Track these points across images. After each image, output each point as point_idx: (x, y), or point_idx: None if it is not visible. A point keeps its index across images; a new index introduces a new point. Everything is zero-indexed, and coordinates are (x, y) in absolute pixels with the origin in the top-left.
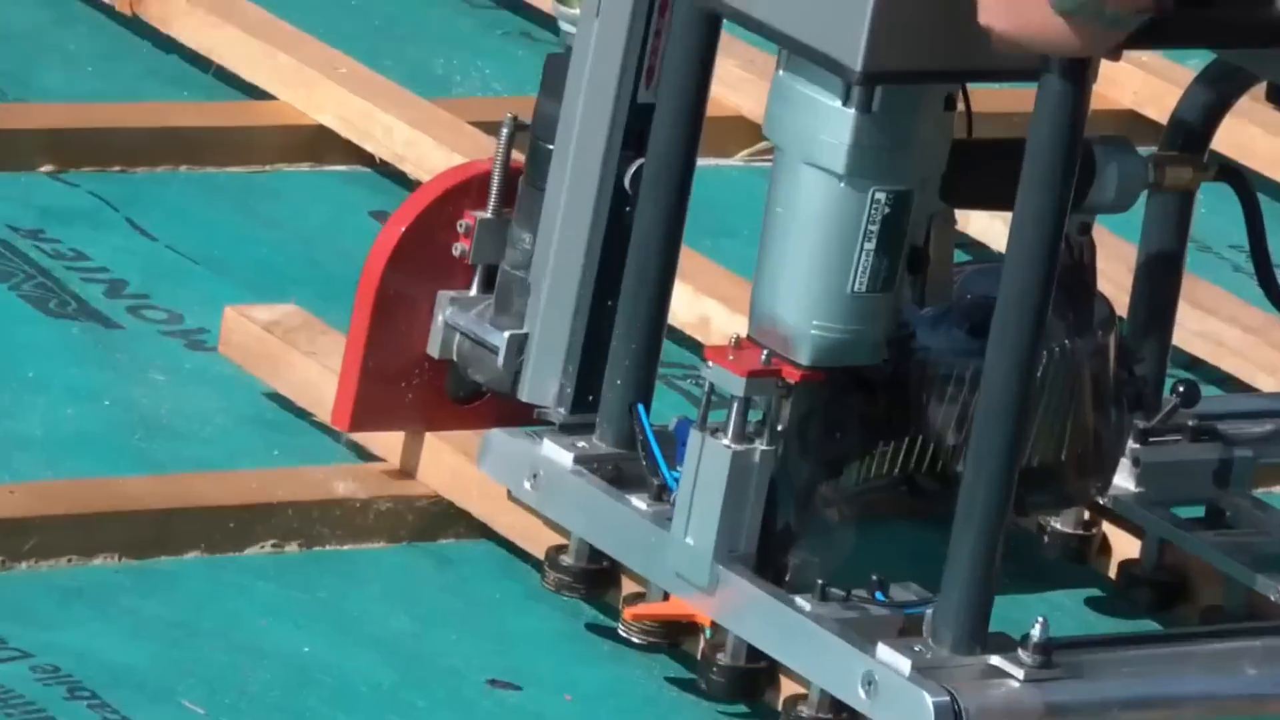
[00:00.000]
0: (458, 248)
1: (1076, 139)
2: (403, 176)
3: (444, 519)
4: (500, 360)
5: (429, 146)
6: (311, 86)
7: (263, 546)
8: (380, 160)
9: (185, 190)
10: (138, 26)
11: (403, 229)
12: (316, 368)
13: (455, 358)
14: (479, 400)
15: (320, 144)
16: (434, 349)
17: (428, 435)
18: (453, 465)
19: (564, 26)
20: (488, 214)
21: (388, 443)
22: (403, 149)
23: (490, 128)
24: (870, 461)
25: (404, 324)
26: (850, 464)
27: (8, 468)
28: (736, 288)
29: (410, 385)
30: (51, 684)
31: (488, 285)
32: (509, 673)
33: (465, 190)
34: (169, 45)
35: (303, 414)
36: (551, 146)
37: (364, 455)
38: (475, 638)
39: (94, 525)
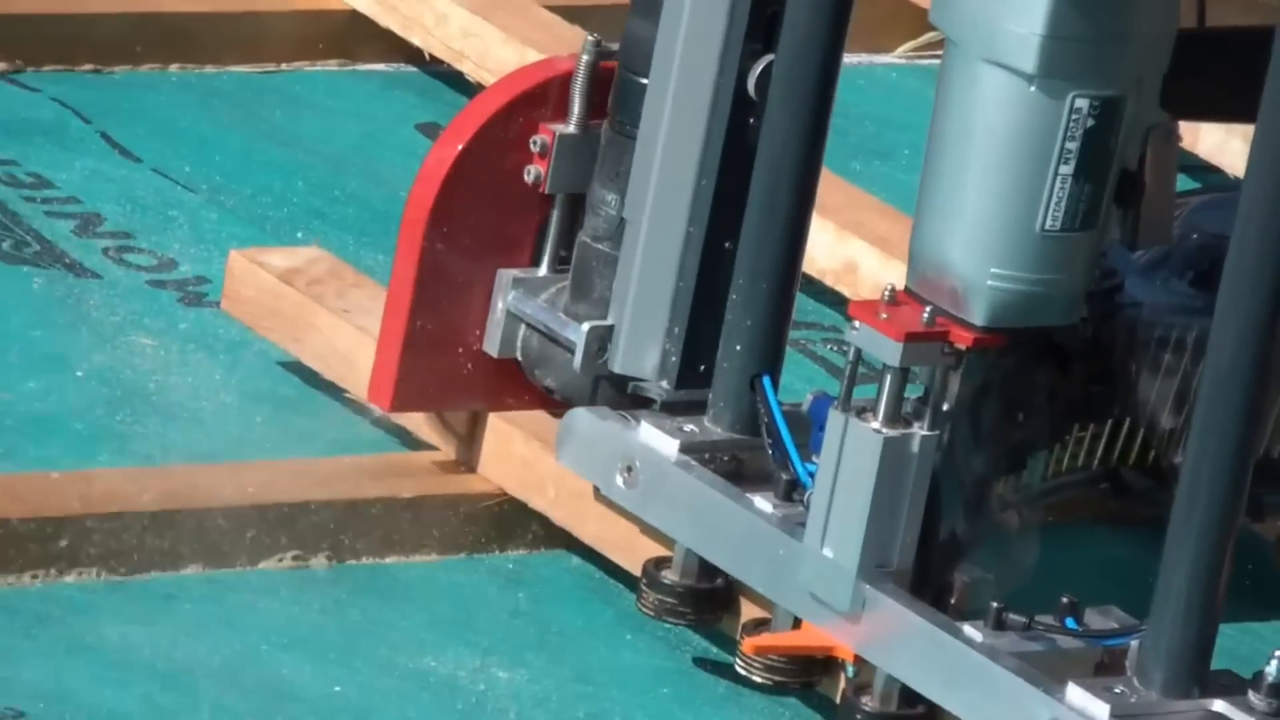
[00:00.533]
0: (531, 171)
1: None
2: (459, 78)
3: (512, 524)
4: (578, 360)
5: (493, 38)
6: None
7: (281, 559)
8: (430, 56)
9: (176, 96)
10: None
11: (459, 148)
12: (348, 329)
13: (520, 357)
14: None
15: (351, 35)
16: (492, 345)
17: (490, 417)
18: (523, 456)
19: None
20: (570, 127)
21: (440, 427)
22: (459, 41)
23: (575, 13)
24: (1063, 451)
25: (460, 275)
26: (1036, 454)
27: None
28: (892, 224)
29: (468, 353)
30: None
31: (562, 260)
32: (595, 718)
33: (541, 97)
34: None
35: (330, 389)
36: (645, 80)
37: (410, 443)
38: (553, 676)
39: (67, 531)
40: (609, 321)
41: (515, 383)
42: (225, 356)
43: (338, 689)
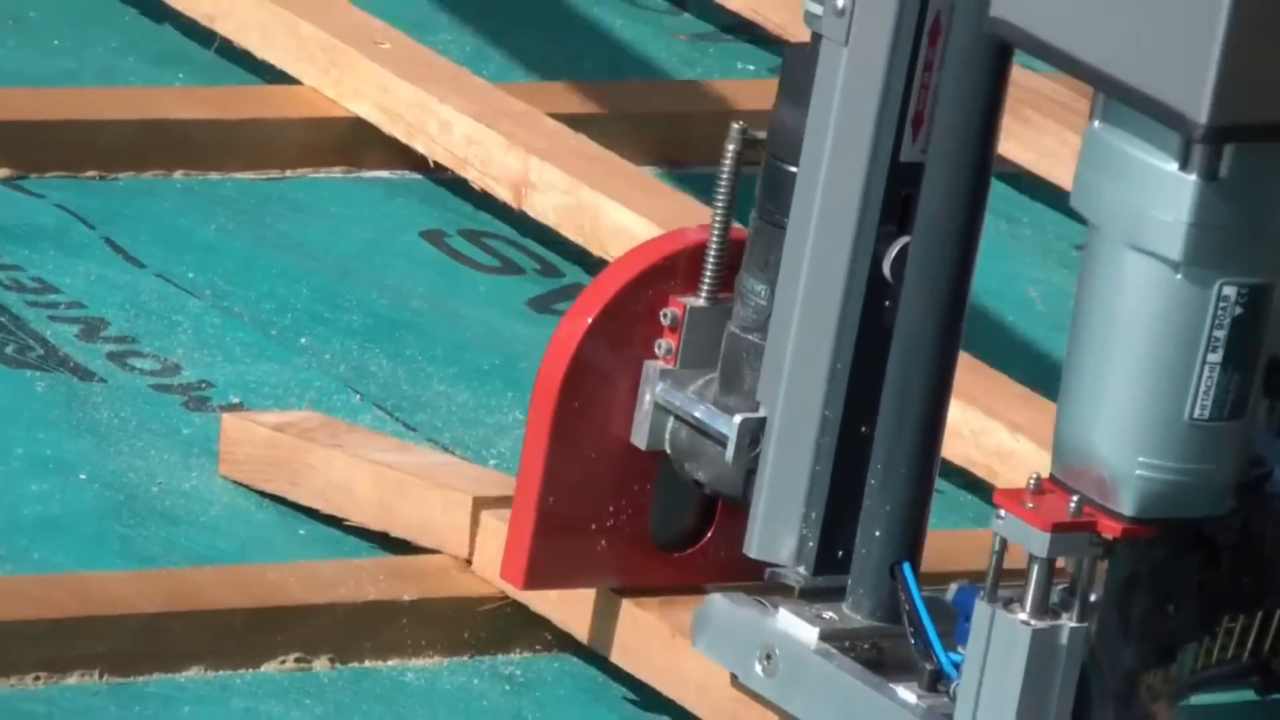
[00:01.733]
0: (662, 345)
1: None
2: (463, 185)
3: (515, 626)
4: (730, 454)
5: (496, 145)
6: (345, 67)
7: (283, 661)
8: (434, 163)
9: (181, 202)
10: None
11: (588, 322)
12: (342, 458)
13: (669, 449)
14: (691, 549)
15: (355, 142)
16: (640, 437)
17: (485, 515)
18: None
19: (807, 6)
20: (700, 300)
21: (440, 530)
22: (463, 149)
23: (578, 120)
24: (1214, 642)
25: (592, 450)
26: (1187, 646)
27: None
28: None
29: (601, 530)
30: None
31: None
32: None
33: (670, 269)
34: (158, 12)
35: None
36: (794, 169)
37: (409, 547)
38: None
39: (68, 633)
40: (761, 414)
41: (647, 560)
42: None
43: None
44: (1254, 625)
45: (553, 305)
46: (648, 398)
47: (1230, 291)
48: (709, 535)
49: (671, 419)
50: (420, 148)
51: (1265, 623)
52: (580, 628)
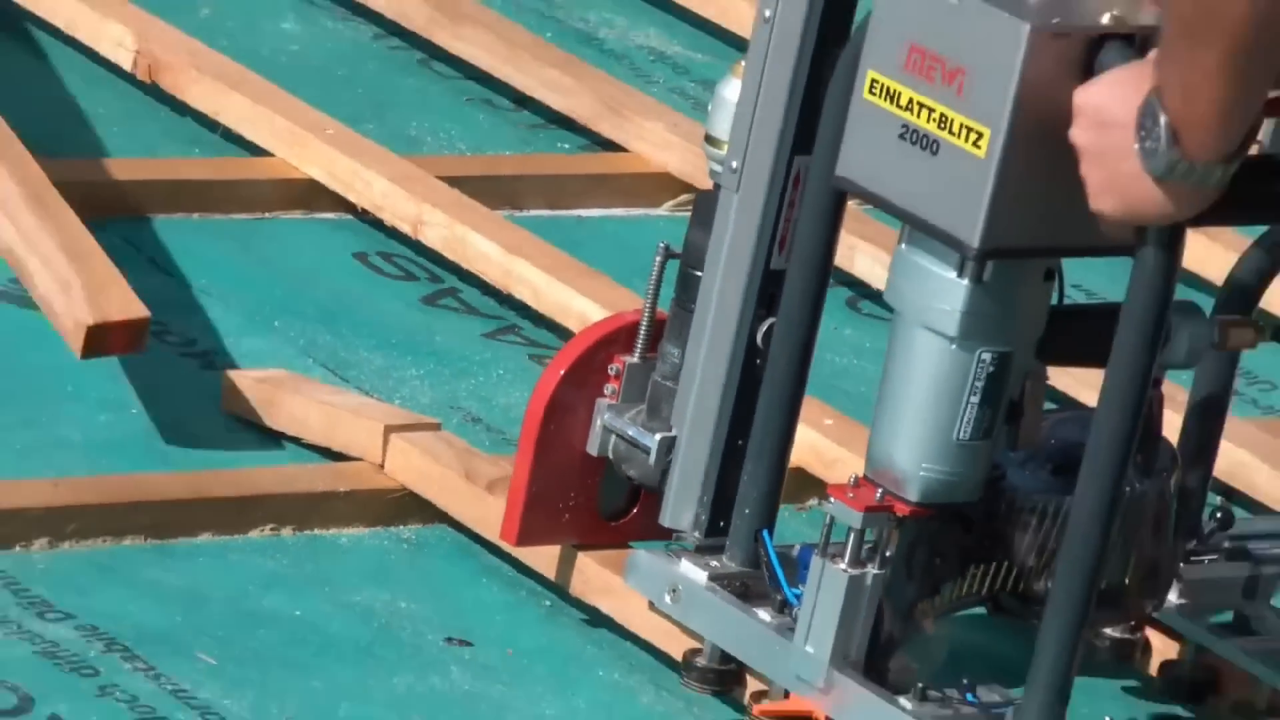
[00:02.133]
0: (608, 389)
1: (1168, 304)
2: (381, 224)
3: (411, 508)
4: (652, 459)
5: (402, 198)
6: (304, 145)
7: (262, 530)
8: (361, 210)
9: (196, 234)
10: (156, 93)
11: (561, 372)
12: (301, 400)
13: (611, 455)
14: (623, 520)
15: (312, 195)
16: (593, 448)
17: (393, 437)
18: (419, 465)
19: (711, 165)
20: (635, 358)
21: (364, 446)
22: (380, 200)
23: (454, 181)
24: (963, 582)
25: (562, 455)
26: (946, 584)
27: (52, 465)
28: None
29: (566, 507)
30: (91, 640)
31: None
32: (463, 633)
33: (614, 339)
34: (183, 109)
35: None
36: (700, 273)
37: (344, 457)
38: (434, 606)
39: (124, 513)
40: (673, 434)
41: (596, 526)
42: None
43: (298, 613)
44: (989, 572)
45: (437, 301)
46: (599, 422)
47: (987, 357)
48: (635, 511)
49: (614, 436)
50: (353, 198)
51: (997, 570)
52: (454, 508)
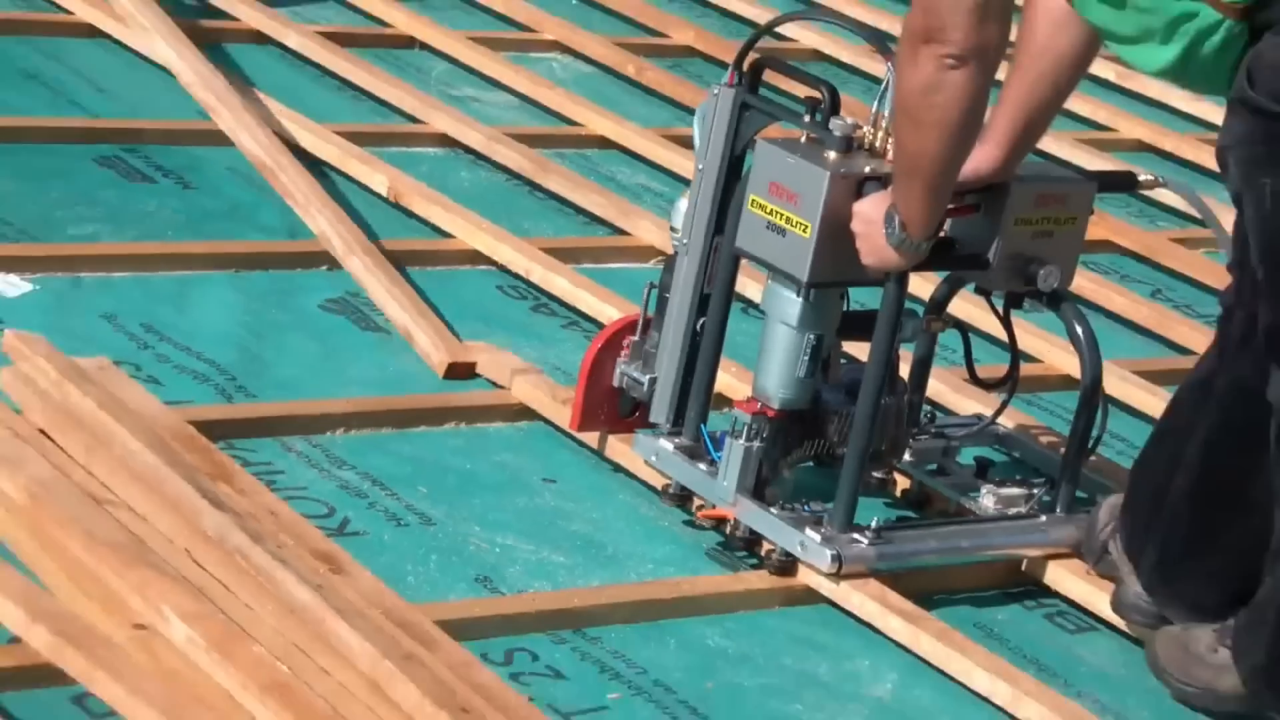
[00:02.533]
0: (623, 353)
1: (901, 309)
2: (508, 270)
3: (526, 413)
4: (645, 389)
5: (520, 258)
6: (472, 232)
7: (455, 424)
8: (500, 265)
9: (419, 277)
10: (398, 207)
11: (599, 345)
12: (487, 359)
13: (624, 386)
14: (632, 418)
15: (475, 257)
16: (616, 382)
17: (516, 376)
18: (531, 391)
19: (673, 240)
20: (635, 337)
21: (505, 379)
22: (508, 258)
23: (549, 250)
24: (801, 450)
25: (600, 385)
26: (793, 451)
27: (348, 391)
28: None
29: (602, 409)
30: (364, 479)
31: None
32: (551, 474)
33: (626, 328)
34: (410, 213)
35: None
36: (668, 295)
37: (497, 385)
38: (537, 462)
39: (380, 416)
40: (654, 376)
41: (618, 421)
42: None
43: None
44: (814, 444)
45: (537, 310)
46: (618, 369)
47: (811, 337)
48: (637, 414)
49: (626, 376)
50: (496, 258)
51: (817, 444)
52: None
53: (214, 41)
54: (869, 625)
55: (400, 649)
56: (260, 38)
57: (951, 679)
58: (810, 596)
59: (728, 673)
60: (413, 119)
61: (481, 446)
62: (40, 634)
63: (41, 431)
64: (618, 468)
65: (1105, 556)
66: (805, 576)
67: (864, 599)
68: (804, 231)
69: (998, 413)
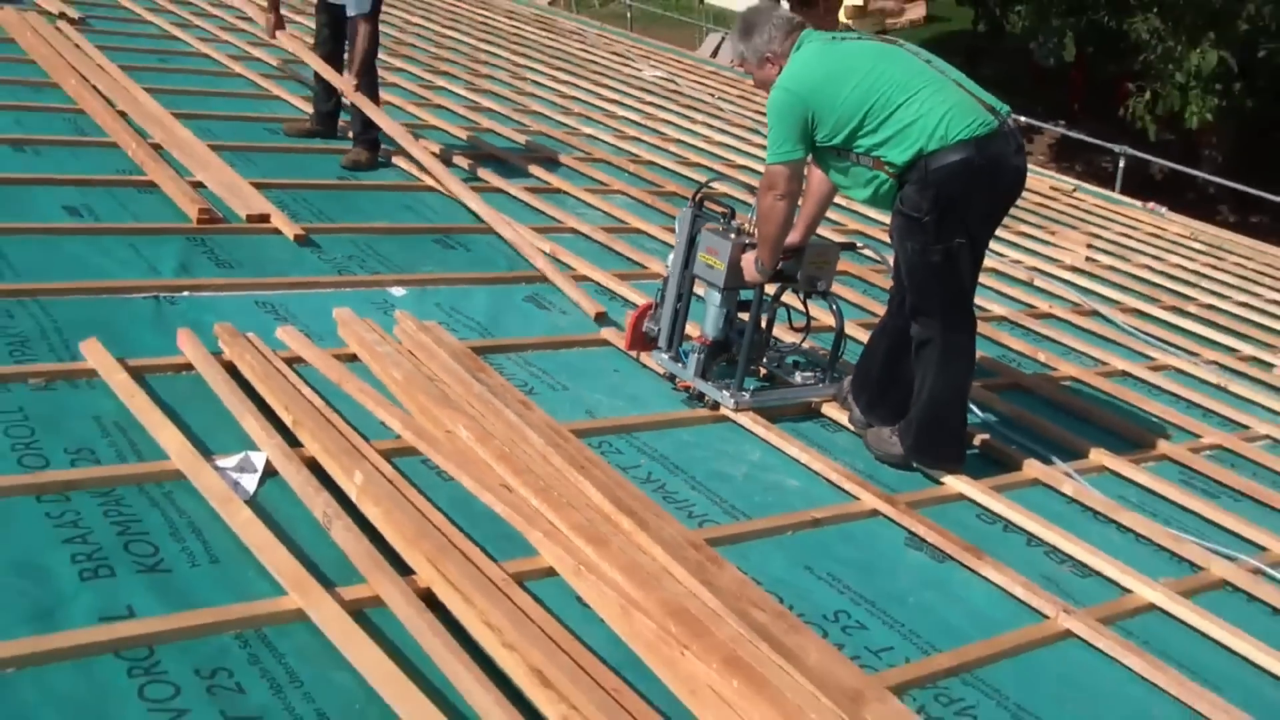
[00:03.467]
0: (648, 318)
1: (762, 298)
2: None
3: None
4: (659, 333)
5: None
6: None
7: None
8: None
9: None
10: None
11: (634, 313)
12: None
13: (647, 331)
14: (652, 345)
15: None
16: (644, 330)
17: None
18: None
19: (666, 270)
20: (654, 311)
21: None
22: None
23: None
24: (720, 357)
25: (637, 331)
26: (717, 358)
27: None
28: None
29: (640, 341)
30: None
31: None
32: (619, 368)
33: (649, 306)
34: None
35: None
36: (664, 293)
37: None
38: (610, 361)
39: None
40: (659, 328)
41: (648, 346)
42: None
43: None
44: (726, 355)
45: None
46: (646, 324)
47: (724, 309)
48: (654, 343)
49: (649, 326)
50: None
51: (729, 355)
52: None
53: None
54: (751, 431)
55: (576, 461)
56: None
57: (783, 453)
58: (724, 420)
59: (689, 450)
60: None
61: (579, 370)
62: (409, 435)
63: (409, 351)
64: (645, 366)
65: (846, 399)
66: (723, 411)
67: (748, 420)
68: (720, 265)
69: (800, 342)
